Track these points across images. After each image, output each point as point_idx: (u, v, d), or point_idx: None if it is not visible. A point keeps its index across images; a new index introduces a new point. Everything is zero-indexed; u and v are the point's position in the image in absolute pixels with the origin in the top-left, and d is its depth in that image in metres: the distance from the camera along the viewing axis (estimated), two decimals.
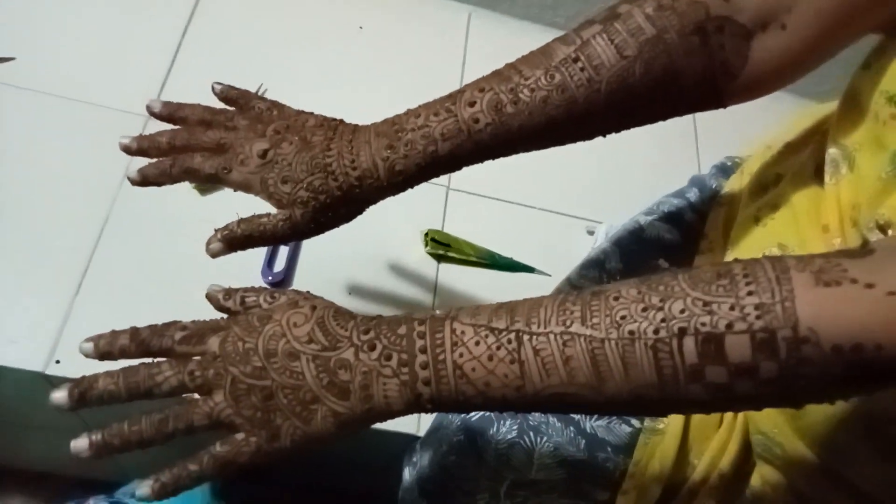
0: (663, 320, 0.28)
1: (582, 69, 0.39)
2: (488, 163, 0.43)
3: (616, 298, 0.30)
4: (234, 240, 0.42)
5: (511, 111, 0.39)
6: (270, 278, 0.66)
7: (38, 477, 0.89)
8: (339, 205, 0.41)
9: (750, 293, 0.27)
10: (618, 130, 0.43)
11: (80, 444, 0.31)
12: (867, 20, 0.40)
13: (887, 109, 0.38)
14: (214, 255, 0.42)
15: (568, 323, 0.30)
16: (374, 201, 0.43)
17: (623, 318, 0.29)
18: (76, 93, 0.71)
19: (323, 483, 0.86)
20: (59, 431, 0.33)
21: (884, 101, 0.38)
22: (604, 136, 0.43)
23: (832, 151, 0.43)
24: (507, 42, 0.92)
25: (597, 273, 0.57)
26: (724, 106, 0.43)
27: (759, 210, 0.50)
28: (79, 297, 0.61)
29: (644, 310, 0.29)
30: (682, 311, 0.28)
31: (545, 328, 0.30)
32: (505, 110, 0.39)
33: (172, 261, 0.64)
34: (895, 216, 0.36)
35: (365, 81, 0.82)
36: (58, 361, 0.57)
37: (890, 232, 0.36)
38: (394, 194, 0.43)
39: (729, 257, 0.51)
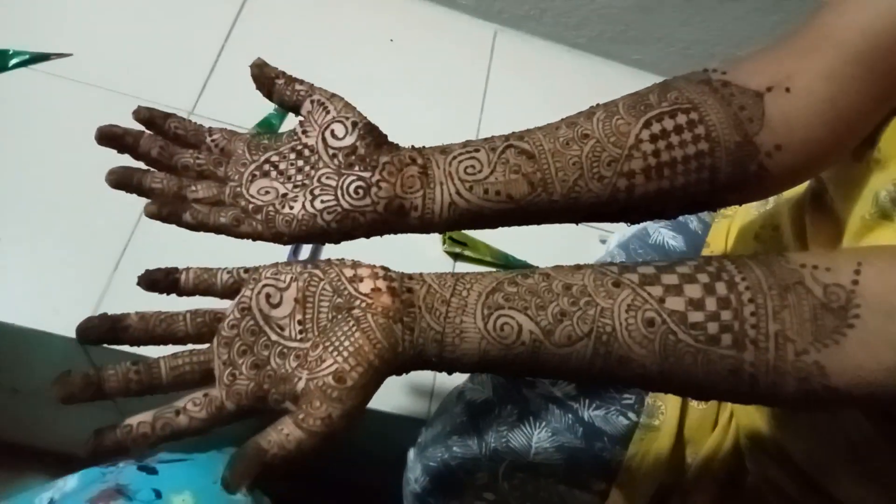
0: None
1: (594, 109, 0.39)
2: None
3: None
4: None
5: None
6: None
7: (64, 457, 0.91)
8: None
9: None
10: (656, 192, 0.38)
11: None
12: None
13: (871, 154, 0.39)
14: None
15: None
16: None
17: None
18: (126, 87, 0.77)
19: (335, 476, 0.89)
20: (89, 409, 0.35)
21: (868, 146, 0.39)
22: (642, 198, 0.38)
23: (816, 186, 0.44)
24: (529, 59, 0.97)
25: None
26: (775, 177, 0.38)
27: (761, 227, 0.52)
28: (117, 273, 0.65)
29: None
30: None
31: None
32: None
33: (206, 241, 0.68)
34: None
35: (394, 91, 0.86)
36: None
37: None
38: None
39: None
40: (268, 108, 0.79)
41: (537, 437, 0.51)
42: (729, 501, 0.51)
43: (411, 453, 0.57)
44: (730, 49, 0.96)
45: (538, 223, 0.39)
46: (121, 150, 0.39)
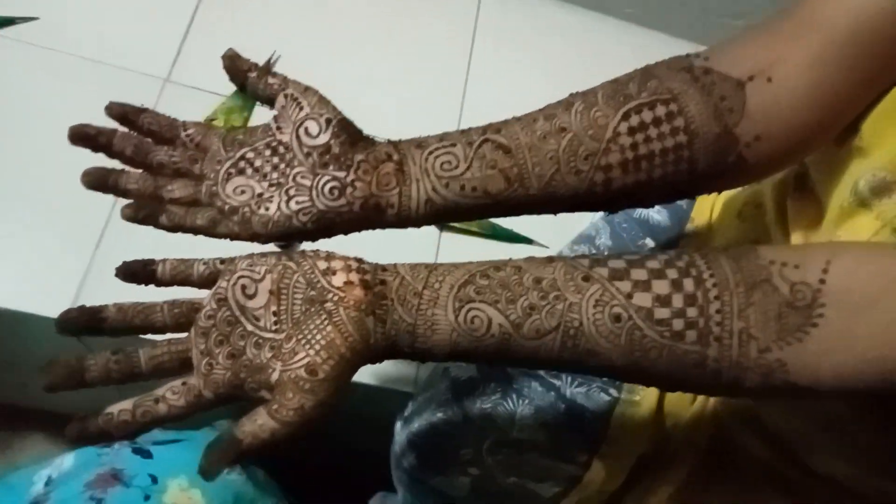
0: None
1: (572, 99, 0.38)
2: None
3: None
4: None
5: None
6: None
7: (61, 417, 0.93)
8: None
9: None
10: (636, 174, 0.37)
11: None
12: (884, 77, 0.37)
13: (853, 140, 0.39)
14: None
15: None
16: None
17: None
18: (96, 53, 0.74)
19: (326, 447, 0.90)
20: None
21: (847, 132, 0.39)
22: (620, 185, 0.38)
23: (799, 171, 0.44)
24: (516, 18, 0.93)
25: (587, 248, 0.60)
26: (754, 165, 0.38)
27: (744, 204, 0.51)
28: (99, 250, 0.65)
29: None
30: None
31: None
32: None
33: None
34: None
35: (376, 54, 0.83)
36: None
37: None
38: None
39: (711, 245, 0.53)
40: None
41: (520, 414, 0.53)
42: (708, 472, 0.52)
43: (398, 426, 0.59)
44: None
45: (517, 215, 0.40)
46: (95, 150, 0.39)
